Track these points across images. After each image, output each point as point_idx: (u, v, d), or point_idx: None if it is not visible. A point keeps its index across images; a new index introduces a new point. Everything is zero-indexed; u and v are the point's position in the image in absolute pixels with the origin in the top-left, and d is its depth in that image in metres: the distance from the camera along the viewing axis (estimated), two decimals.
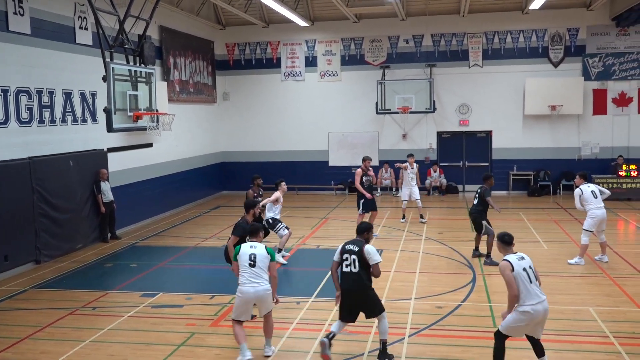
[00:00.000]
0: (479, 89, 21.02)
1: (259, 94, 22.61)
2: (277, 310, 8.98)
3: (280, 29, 22.14)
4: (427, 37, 21.26)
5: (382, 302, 8.92)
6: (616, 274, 10.70)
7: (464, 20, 20.83)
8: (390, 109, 20.82)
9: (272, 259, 7.21)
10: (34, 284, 11.00)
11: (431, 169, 21.40)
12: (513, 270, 6.37)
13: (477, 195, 11.91)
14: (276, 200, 12.09)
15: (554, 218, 16.34)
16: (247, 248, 7.24)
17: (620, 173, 19.28)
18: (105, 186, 14.34)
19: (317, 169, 21.99)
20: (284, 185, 12.34)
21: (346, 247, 7.17)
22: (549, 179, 20.78)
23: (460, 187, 21.81)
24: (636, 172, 19.11)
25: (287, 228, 12.14)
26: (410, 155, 16.49)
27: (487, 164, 21.41)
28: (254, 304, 7.33)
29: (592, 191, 11.41)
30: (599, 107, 20.39)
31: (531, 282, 6.38)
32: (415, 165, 16.22)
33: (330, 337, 7.21)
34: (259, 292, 7.15)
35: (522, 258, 6.54)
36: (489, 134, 21.36)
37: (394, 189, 21.50)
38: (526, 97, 20.35)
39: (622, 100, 20.30)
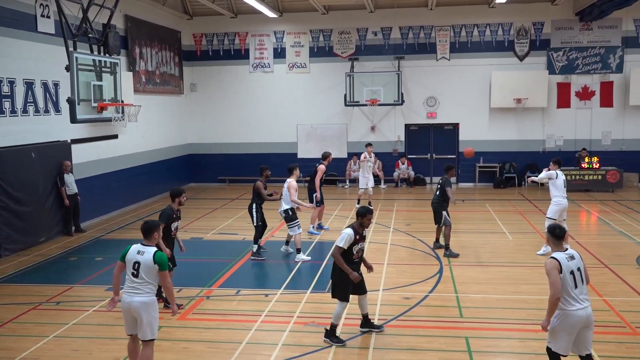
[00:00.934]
0: (447, 81, 21.20)
1: (227, 85, 22.42)
2: (246, 303, 9.08)
3: (248, 20, 21.95)
4: (395, 30, 21.33)
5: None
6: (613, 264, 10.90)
7: (431, 13, 20.97)
8: (358, 101, 20.87)
9: (162, 269, 6.10)
10: None
11: (399, 161, 21.53)
12: (560, 271, 5.63)
13: (438, 186, 11.97)
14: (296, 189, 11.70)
15: (519, 209, 16.60)
16: (133, 254, 6.19)
17: (582, 165, 19.65)
18: (69, 178, 14.06)
19: (286, 161, 21.73)
20: (297, 171, 12.20)
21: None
22: (514, 171, 21.12)
23: (427, 179, 22.01)
24: (598, 164, 19.48)
25: (300, 227, 11.80)
26: (369, 144, 16.84)
27: (454, 156, 21.64)
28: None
29: (563, 179, 11.66)
30: (563, 101, 20.79)
31: (576, 287, 5.66)
32: (373, 154, 16.61)
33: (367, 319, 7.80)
34: (133, 304, 6.10)
35: (572, 257, 5.79)
36: (456, 126, 21.59)
37: None
38: (492, 90, 20.62)
39: (585, 94, 20.73)
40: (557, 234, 5.88)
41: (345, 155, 21.85)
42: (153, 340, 6.24)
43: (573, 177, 19.54)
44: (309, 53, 21.90)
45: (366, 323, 7.85)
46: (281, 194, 11.74)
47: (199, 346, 7.52)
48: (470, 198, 18.87)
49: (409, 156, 21.79)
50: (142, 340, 6.24)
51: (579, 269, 5.75)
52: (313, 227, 14.07)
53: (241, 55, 22.27)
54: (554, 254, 5.80)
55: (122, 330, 7.99)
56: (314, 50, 21.88)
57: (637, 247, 12.12)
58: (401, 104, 20.90)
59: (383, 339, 7.65)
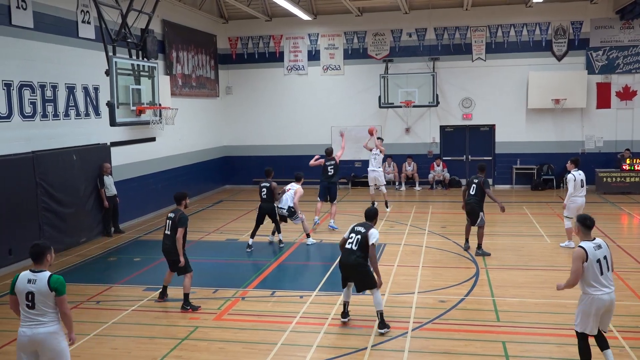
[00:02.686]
0: (483, 82, 20.95)
1: (262, 88, 22.58)
2: (281, 304, 9.14)
3: (283, 23, 22.08)
4: (430, 31, 21.18)
5: (385, 296, 9.03)
6: (620, 268, 10.60)
7: (467, 14, 20.75)
8: (393, 103, 20.78)
9: (59, 294, 5.38)
10: None
11: (434, 163, 21.36)
12: (586, 260, 6.11)
13: (473, 185, 11.79)
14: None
15: (557, 212, 16.26)
16: (24, 282, 5.44)
17: (624, 167, 19.18)
18: (109, 180, 14.37)
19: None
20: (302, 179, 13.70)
21: (355, 227, 7.97)
22: (552, 173, 20.72)
23: (463, 181, 21.72)
24: (639, 166, 18.99)
25: (301, 213, 13.18)
26: (379, 138, 17.10)
27: (490, 157, 21.35)
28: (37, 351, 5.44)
29: (581, 179, 11.86)
30: (603, 101, 20.30)
31: (602, 274, 6.15)
32: (381, 148, 16.83)
33: (346, 309, 8.20)
34: (37, 335, 5.34)
35: (599, 247, 6.21)
36: (492, 127, 21.31)
37: (396, 183, 21.46)
38: (529, 90, 20.27)
39: (626, 94, 20.21)
40: (587, 224, 6.29)
41: None
42: None
43: (613, 179, 19.15)
44: (343, 55, 21.91)
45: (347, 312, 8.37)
46: (283, 191, 13.15)
47: (234, 347, 7.59)
48: (507, 200, 18.46)
49: (444, 158, 21.57)
50: None
51: (605, 257, 6.19)
52: (333, 221, 14.60)
53: (276, 58, 22.41)
54: (582, 244, 6.21)
55: (160, 329, 8.23)
56: (348, 52, 21.88)
57: None
58: (436, 106, 20.74)
59: (419, 342, 7.61)
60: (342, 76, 21.98)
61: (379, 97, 20.87)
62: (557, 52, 20.48)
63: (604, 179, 19.30)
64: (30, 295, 5.36)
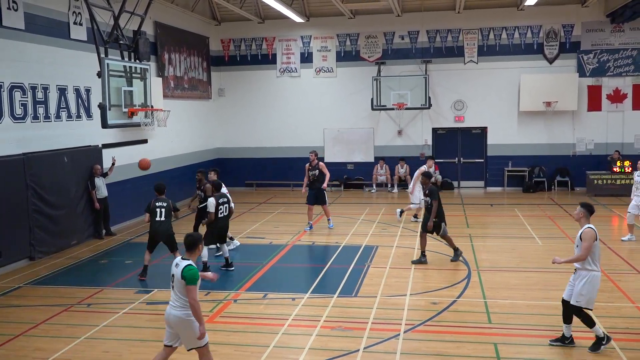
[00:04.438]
0: (474, 85, 21.04)
1: (255, 90, 22.58)
2: (273, 306, 9.13)
3: (275, 25, 22.09)
4: (422, 33, 21.26)
5: (377, 298, 9.03)
6: (611, 270, 10.71)
7: (459, 17, 20.84)
8: (385, 105, 20.82)
9: (188, 283, 5.92)
10: (28, 280, 10.94)
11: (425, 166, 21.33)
12: (596, 239, 7.04)
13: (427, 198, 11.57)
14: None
15: (548, 214, 16.37)
16: (173, 265, 6.15)
17: (614, 169, 19.32)
18: (100, 182, 14.28)
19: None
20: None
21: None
22: (543, 175, 20.80)
23: (455, 184, 21.83)
24: (630, 169, 19.09)
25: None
26: (430, 157, 16.06)
27: (482, 160, 21.47)
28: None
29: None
30: (594, 104, 20.46)
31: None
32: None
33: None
34: (170, 315, 6.11)
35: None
36: (484, 130, 21.39)
37: (389, 185, 21.49)
38: (521, 93, 20.38)
39: (617, 97, 20.38)
40: (593, 211, 7.34)
41: (371, 160, 21.84)
42: (201, 347, 6.15)
43: (604, 182, 19.29)
44: (335, 57, 21.94)
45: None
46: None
47: (226, 349, 7.56)
48: (498, 202, 18.72)
49: (437, 160, 21.46)
50: (190, 349, 6.22)
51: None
52: (330, 219, 14.74)
53: (268, 60, 22.41)
54: (591, 225, 7.15)
55: (151, 332, 8.17)
56: (340, 54, 21.91)
57: None
58: (428, 108, 20.81)
59: (410, 344, 7.61)
60: (335, 78, 22.00)
61: (372, 100, 20.92)
62: (548, 55, 20.59)
63: (595, 181, 19.44)
64: (172, 277, 6.07)
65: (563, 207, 17.35)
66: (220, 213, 10.97)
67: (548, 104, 19.98)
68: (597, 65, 20.29)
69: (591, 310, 7.24)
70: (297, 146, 22.20)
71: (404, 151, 21.62)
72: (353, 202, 19.30)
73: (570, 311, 7.28)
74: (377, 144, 21.90)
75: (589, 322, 7.24)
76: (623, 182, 19.16)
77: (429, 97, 20.57)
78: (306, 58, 22.16)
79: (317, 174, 14.44)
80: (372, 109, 21.07)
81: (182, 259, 6.08)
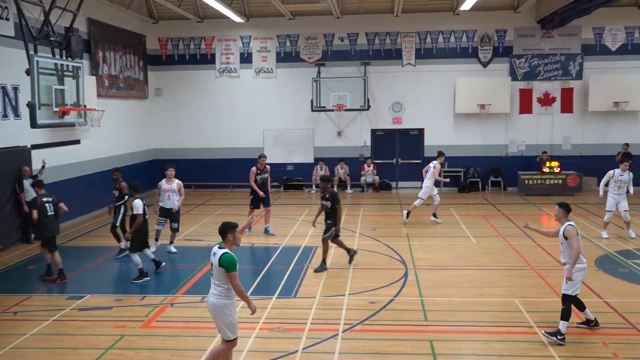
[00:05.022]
0: (412, 87, 21.43)
1: (193, 90, 22.24)
2: (206, 309, 8.87)
3: (214, 25, 21.84)
4: (361, 36, 21.48)
5: (316, 298, 9.04)
6: (540, 267, 11.15)
7: (397, 20, 21.18)
8: (325, 107, 20.93)
9: (228, 270, 6.09)
10: None
11: (365, 164, 21.65)
12: (578, 234, 7.61)
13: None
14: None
15: (482, 213, 16.80)
16: (211, 254, 6.33)
17: (544, 169, 20.06)
18: (28, 184, 13.66)
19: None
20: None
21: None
22: (478, 176, 21.39)
23: (393, 184, 22.17)
24: (559, 169, 19.88)
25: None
26: (441, 153, 15.92)
27: (419, 161, 21.79)
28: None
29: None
30: (525, 106, 21.23)
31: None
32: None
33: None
34: (209, 304, 6.34)
35: None
36: (421, 131, 21.82)
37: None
38: (457, 96, 20.92)
39: (547, 100, 21.20)
40: (570, 209, 7.92)
41: (311, 161, 21.90)
42: (230, 340, 6.33)
43: (534, 182, 19.97)
44: (275, 58, 21.88)
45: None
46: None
47: (163, 354, 7.42)
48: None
49: (375, 161, 21.86)
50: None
51: None
52: (268, 226, 14.40)
53: (207, 60, 22.12)
54: (571, 222, 7.72)
55: (83, 339, 7.92)
56: (280, 55, 21.87)
57: (597, 250, 12.37)
58: (367, 109, 21.05)
59: (349, 343, 7.66)
60: (275, 79, 21.95)
61: (311, 101, 20.98)
62: (482, 58, 21.20)
63: (526, 181, 20.16)
64: (211, 264, 6.24)
65: (496, 207, 17.87)
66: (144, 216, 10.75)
67: (482, 106, 20.59)
68: (529, 69, 21.04)
69: (574, 298, 7.73)
70: (236, 147, 22.02)
71: (344, 152, 21.80)
72: (293, 202, 19.29)
73: (579, 302, 7.88)
74: (317, 145, 21.98)
75: (566, 316, 7.62)
76: (552, 182, 19.93)
77: (368, 99, 20.82)
78: (246, 58, 22.00)
79: (266, 177, 14.27)
80: (312, 110, 21.14)
81: (219, 247, 6.24)
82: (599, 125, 21.16)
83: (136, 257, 10.59)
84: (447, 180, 16.81)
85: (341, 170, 21.45)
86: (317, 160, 21.72)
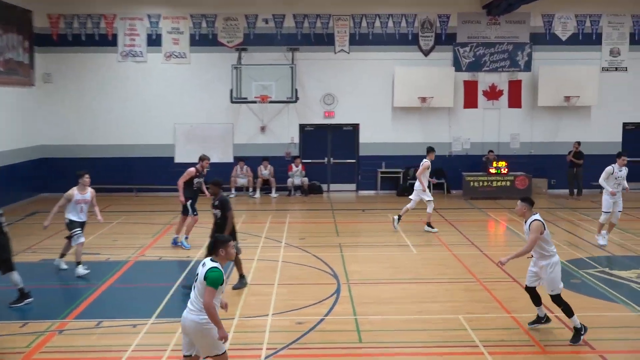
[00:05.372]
0: (346, 77, 21.59)
1: (90, 76, 21.54)
2: (109, 336, 8.71)
3: (116, 0, 21.21)
4: (289, 18, 21.45)
5: (235, 320, 8.84)
6: (486, 279, 11.38)
7: (329, 1, 21.28)
8: (246, 98, 20.75)
9: (208, 284, 6.26)
10: None
11: (293, 164, 21.62)
12: (544, 229, 8.25)
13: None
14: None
15: (424, 220, 16.77)
16: (200, 264, 6.55)
17: (490, 170, 20.61)
18: None
19: (161, 167, 21.29)
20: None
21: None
22: None
23: (324, 187, 22.25)
24: (506, 170, 20.48)
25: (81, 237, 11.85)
26: (431, 149, 15.92)
27: (354, 160, 22.00)
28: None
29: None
30: (470, 100, 21.78)
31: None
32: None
33: None
34: (186, 320, 6.45)
35: None
36: (355, 127, 22.02)
37: (250, 190, 21.45)
38: (395, 87, 21.23)
39: (493, 93, 21.84)
40: (533, 202, 8.59)
41: (230, 160, 21.63)
42: (220, 354, 6.49)
43: (480, 184, 20.52)
44: (189, 41, 21.53)
45: None
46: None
47: None
48: (370, 207, 19.21)
49: (304, 161, 21.81)
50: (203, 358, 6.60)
51: None
52: (186, 238, 14.00)
53: (107, 41, 21.48)
54: (538, 216, 8.36)
55: None
56: (195, 38, 21.54)
57: None
58: (295, 102, 21.03)
59: None
60: (188, 65, 21.59)
61: (231, 91, 20.76)
62: (423, 46, 21.60)
63: (471, 183, 20.68)
64: (196, 276, 6.45)
65: (439, 212, 18.04)
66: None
67: (423, 99, 20.98)
68: (473, 59, 21.61)
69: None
70: (141, 144, 21.53)
71: (268, 150, 21.66)
72: (207, 209, 18.87)
73: (537, 296, 8.64)
74: (237, 142, 21.73)
75: (569, 312, 8.29)
76: (499, 184, 20.53)
77: (296, 90, 20.79)
78: (154, 41, 21.51)
79: (202, 182, 14.10)
80: (232, 101, 20.92)
81: (211, 260, 6.44)
82: (549, 122, 21.93)
83: (14, 276, 10.02)
84: (433, 180, 17.04)
85: (265, 171, 21.32)
86: (237, 159, 21.48)
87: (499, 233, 16.43)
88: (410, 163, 21.54)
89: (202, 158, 14.33)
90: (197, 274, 6.40)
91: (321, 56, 21.51)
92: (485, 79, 21.78)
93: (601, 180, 13.65)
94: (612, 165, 13.62)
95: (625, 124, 22.24)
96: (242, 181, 21.37)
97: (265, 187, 21.45)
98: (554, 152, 21.49)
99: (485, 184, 20.55)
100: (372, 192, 22.02)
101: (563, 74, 21.07)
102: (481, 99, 21.83)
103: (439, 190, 21.68)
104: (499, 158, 21.09)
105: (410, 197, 15.88)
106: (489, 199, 20.19)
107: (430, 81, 21.05)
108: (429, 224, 15.47)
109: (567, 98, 21.12)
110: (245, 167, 21.33)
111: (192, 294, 6.43)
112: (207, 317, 6.25)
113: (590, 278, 11.39)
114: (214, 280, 6.22)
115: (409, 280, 11.36)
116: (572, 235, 14.64)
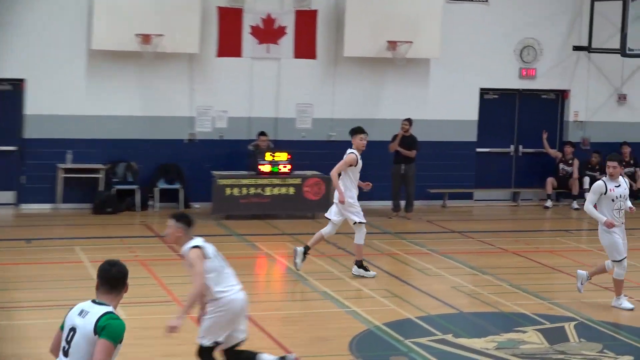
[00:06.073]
0: None
1: None
2: None
3: None
4: None
5: None
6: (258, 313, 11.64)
7: None
8: None
9: (108, 338, 5.78)
10: None
11: None
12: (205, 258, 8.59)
13: None
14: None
15: (139, 257, 15.67)
16: (74, 313, 6.08)
17: (261, 167, 19.76)
18: None
19: None
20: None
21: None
22: (134, 180, 20.48)
23: None
24: (288, 166, 19.77)
25: None
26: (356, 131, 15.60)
27: (12, 148, 20.26)
28: None
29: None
30: (229, 44, 20.34)
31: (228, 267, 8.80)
32: None
33: None
34: None
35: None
36: (18, 86, 20.10)
37: None
38: (95, 18, 19.65)
39: (268, 33, 20.57)
40: (191, 222, 8.81)
41: None
42: None
43: (244, 191, 19.58)
44: None
45: None
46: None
47: None
48: (38, 236, 17.79)
49: None
50: None
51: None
52: None
53: None
54: (199, 241, 8.44)
55: None
56: None
57: (359, 324, 12.13)
58: None
59: None
60: None
61: None
62: None
63: (227, 191, 19.73)
64: (71, 333, 6.48)
65: (153, 249, 16.70)
66: None
67: (145, 38, 19.26)
68: None
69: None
70: None
71: None
72: None
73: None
74: None
75: None
76: (276, 191, 19.73)
77: None
78: None
79: None
80: None
81: (95, 302, 6.17)
82: (362, 86, 21.44)
83: None
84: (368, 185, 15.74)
85: None
86: None
87: (273, 279, 16.20)
88: (118, 156, 20.58)
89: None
90: (74, 329, 6.20)
91: None
92: (255, 7, 20.29)
93: (587, 205, 13.36)
94: (602, 179, 13.40)
95: (483, 91, 22.22)
96: None
97: None
98: (370, 136, 19.54)
99: (252, 191, 19.27)
100: (47, 207, 19.72)
101: (385, 6, 20.46)
102: (248, 41, 20.26)
103: (172, 203, 20.21)
104: (278, 146, 19.66)
105: (327, 215, 15.28)
106: (259, 218, 19.12)
107: (159, 8, 19.72)
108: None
109: (392, 45, 20.16)
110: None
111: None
112: None
113: (423, 352, 10.63)
114: (114, 333, 5.98)
115: None
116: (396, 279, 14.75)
